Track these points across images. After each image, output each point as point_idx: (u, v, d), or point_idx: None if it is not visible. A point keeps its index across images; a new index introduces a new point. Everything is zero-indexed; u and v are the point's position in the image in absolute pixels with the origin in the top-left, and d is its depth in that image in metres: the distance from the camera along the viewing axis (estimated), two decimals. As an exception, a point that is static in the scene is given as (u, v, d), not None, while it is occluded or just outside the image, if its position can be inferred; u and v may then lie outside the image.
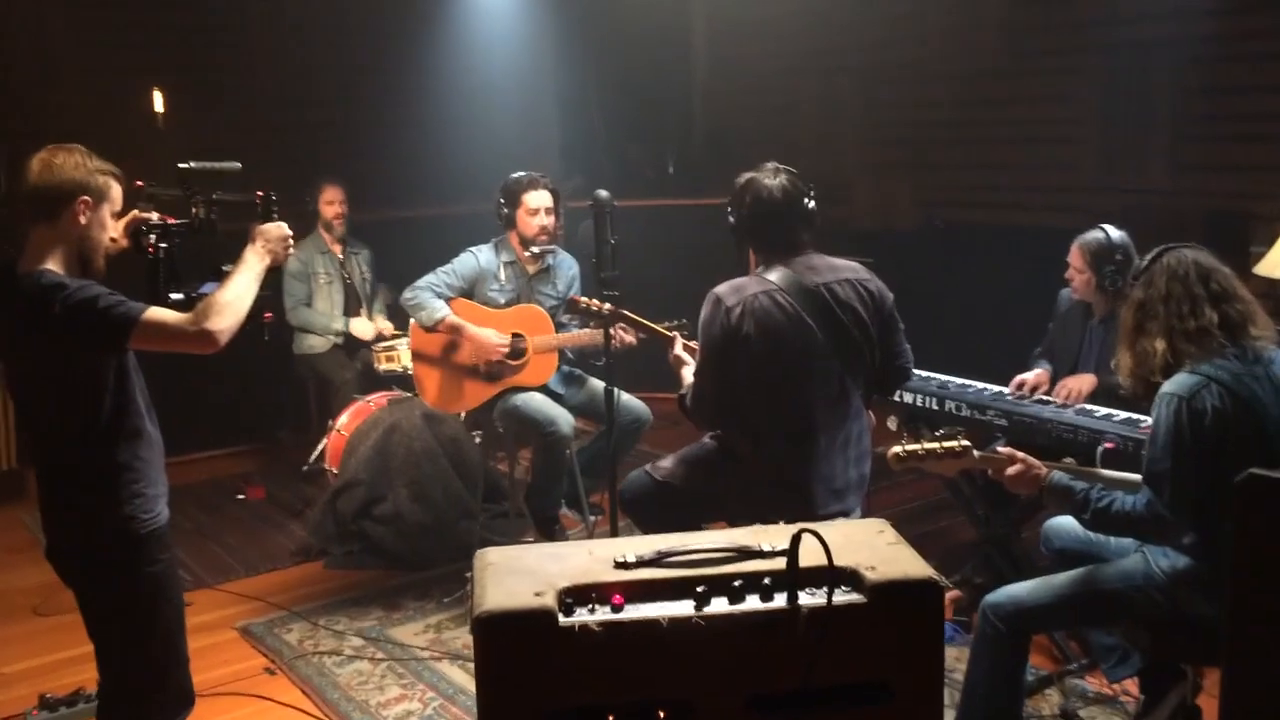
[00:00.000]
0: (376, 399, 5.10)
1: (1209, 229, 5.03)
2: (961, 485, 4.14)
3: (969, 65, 6.11)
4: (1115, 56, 5.49)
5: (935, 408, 4.12)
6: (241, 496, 5.69)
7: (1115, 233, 3.98)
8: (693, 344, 3.60)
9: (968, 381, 4.25)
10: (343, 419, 5.06)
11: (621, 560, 1.80)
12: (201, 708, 3.71)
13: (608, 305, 3.83)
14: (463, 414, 4.95)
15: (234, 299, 2.59)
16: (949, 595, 4.25)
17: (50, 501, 2.69)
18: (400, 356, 5.26)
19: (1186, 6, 5.17)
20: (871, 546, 1.79)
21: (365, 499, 4.79)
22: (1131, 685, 3.44)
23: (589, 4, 7.52)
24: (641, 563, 1.78)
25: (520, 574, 1.77)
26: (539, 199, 4.49)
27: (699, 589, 1.70)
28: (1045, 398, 4.02)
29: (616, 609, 1.70)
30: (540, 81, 7.66)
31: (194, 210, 2.80)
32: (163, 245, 2.74)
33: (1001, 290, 5.05)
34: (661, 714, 1.70)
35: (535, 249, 4.54)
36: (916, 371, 4.34)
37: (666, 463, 3.55)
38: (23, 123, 5.49)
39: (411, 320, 4.60)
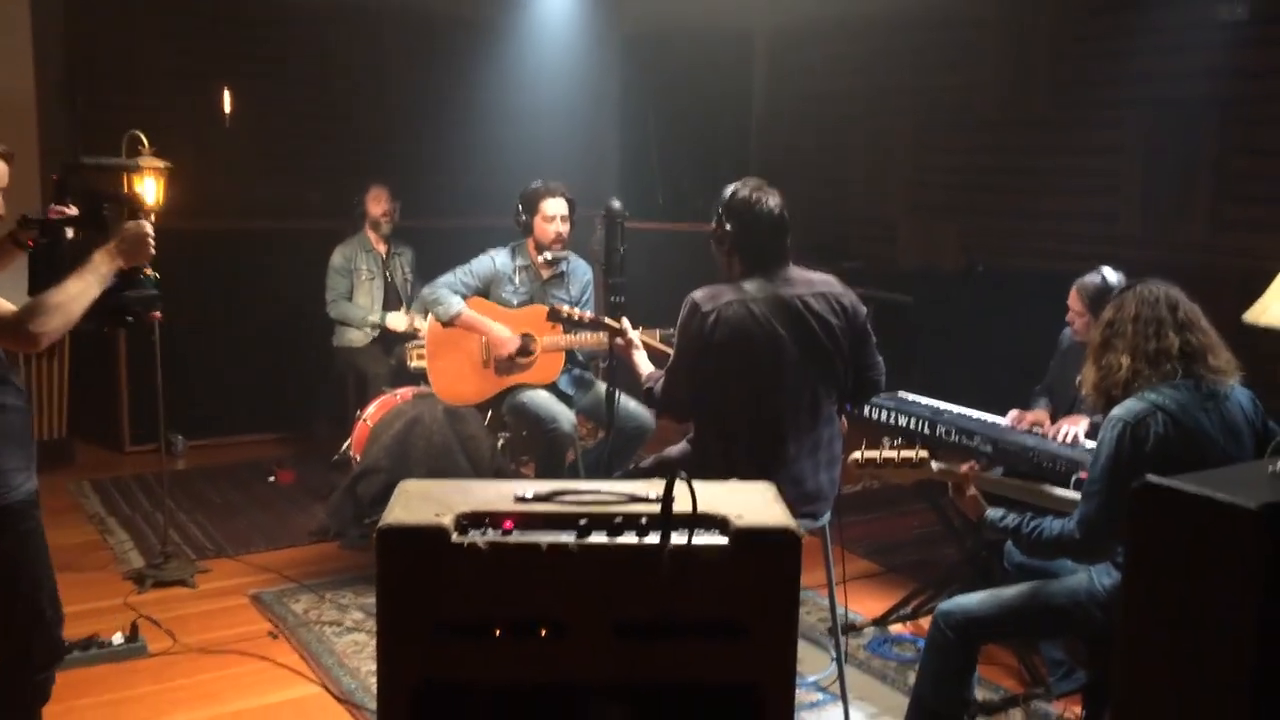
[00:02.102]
0: (403, 392, 5.30)
1: (1245, 287, 5.00)
2: (947, 509, 4.22)
3: (1017, 114, 6.19)
4: (1159, 112, 5.53)
5: (927, 432, 4.21)
6: (272, 479, 5.94)
7: (1112, 275, 4.04)
8: (652, 337, 3.85)
9: (965, 410, 4.33)
10: (370, 409, 5.28)
11: (521, 496, 1.97)
12: (206, 663, 3.98)
13: (584, 314, 4.10)
14: (487, 417, 5.15)
15: (65, 301, 2.52)
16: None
17: None
18: (429, 354, 5.49)
19: (1229, 65, 5.21)
20: (750, 503, 1.94)
21: (384, 485, 4.94)
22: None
23: (655, 39, 7.78)
24: (538, 499, 1.95)
25: (429, 500, 1.94)
26: (555, 206, 4.71)
27: (582, 523, 1.87)
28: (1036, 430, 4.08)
29: (506, 533, 1.87)
30: (602, 109, 7.91)
31: (68, 205, 2.79)
32: (42, 240, 2.69)
33: (1036, 335, 5.10)
34: (543, 631, 1.86)
35: (549, 254, 4.76)
36: (911, 396, 4.48)
37: (645, 463, 3.70)
38: (111, 120, 5.89)
39: (429, 316, 4.84)
